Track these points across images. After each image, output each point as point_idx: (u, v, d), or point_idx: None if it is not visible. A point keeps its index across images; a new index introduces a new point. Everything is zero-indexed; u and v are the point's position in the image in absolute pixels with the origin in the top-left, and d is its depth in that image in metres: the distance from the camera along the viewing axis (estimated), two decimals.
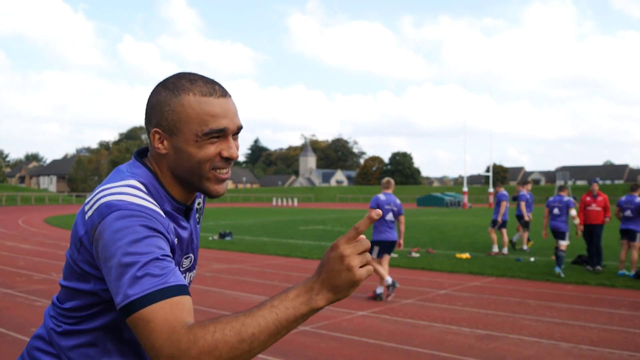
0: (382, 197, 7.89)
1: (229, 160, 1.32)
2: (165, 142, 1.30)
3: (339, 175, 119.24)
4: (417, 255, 12.55)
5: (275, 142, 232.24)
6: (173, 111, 1.28)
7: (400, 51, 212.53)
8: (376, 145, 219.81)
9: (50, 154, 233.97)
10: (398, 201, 7.98)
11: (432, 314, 6.88)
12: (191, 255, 1.43)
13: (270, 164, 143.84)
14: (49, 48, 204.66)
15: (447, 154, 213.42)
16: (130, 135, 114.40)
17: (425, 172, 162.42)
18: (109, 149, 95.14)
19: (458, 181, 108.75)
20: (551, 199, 10.52)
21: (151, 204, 1.23)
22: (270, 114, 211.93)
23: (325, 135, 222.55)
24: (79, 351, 1.32)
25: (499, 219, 12.96)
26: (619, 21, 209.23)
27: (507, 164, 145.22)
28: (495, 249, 13.00)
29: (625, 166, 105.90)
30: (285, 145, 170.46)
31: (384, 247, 7.79)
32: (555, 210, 10.22)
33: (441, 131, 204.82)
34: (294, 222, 25.13)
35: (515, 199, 13.80)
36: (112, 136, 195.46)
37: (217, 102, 1.29)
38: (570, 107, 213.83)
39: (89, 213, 1.23)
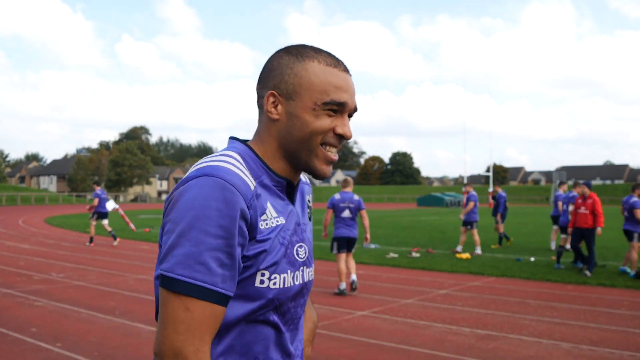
0: (337, 196, 8.10)
1: (341, 139, 1.25)
2: (279, 107, 1.23)
3: (339, 175, 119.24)
4: (417, 255, 12.55)
5: None
6: (295, 75, 1.22)
7: (398, 51, 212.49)
8: (376, 145, 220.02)
9: (50, 154, 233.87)
10: (356, 197, 8.11)
11: (432, 314, 6.88)
12: (305, 245, 1.30)
13: None
14: (48, 48, 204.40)
15: (446, 154, 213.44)
16: (131, 135, 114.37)
17: (424, 172, 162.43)
18: (109, 149, 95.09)
19: (458, 181, 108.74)
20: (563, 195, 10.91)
21: (243, 175, 1.16)
22: None
23: None
24: None
25: (462, 217, 13.20)
26: (616, 21, 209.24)
27: (507, 164, 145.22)
28: (459, 248, 13.04)
29: (625, 166, 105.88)
30: None
31: (342, 243, 8.01)
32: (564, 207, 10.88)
33: (440, 131, 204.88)
34: None
35: (495, 198, 14.85)
36: (111, 136, 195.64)
37: (341, 75, 1.24)
38: (570, 107, 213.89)
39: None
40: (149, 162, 78.13)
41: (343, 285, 7.98)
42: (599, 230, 9.91)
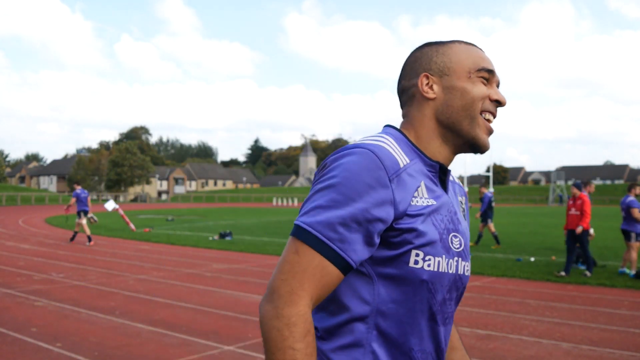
0: None
1: (498, 106, 1.29)
2: (434, 86, 1.28)
3: None
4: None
5: (275, 142, 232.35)
6: (443, 54, 1.29)
7: (398, 51, 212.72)
8: None
9: (51, 154, 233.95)
10: None
11: None
12: (460, 237, 1.26)
13: (271, 164, 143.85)
14: (47, 48, 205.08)
15: None
16: (131, 135, 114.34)
17: None
18: (109, 149, 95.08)
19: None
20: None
21: (394, 152, 1.19)
22: (270, 114, 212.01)
23: (325, 135, 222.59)
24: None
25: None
26: (615, 21, 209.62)
27: (507, 164, 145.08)
28: None
29: (625, 166, 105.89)
30: (285, 145, 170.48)
31: None
32: None
33: None
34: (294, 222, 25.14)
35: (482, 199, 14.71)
36: (111, 136, 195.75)
37: (482, 52, 1.32)
38: (570, 107, 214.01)
39: None
40: (149, 162, 78.14)
41: None
42: (579, 229, 9.59)
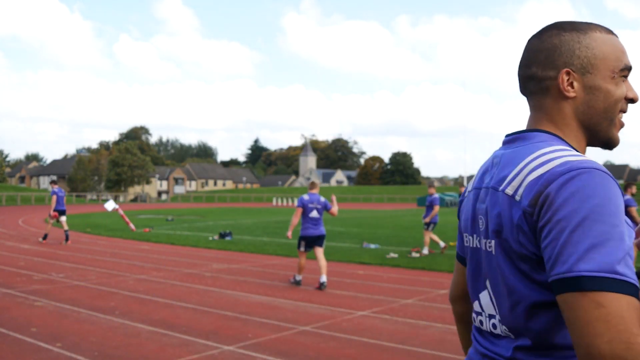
0: (306, 197, 8.73)
1: (631, 103, 1.26)
2: (574, 84, 1.21)
3: (339, 175, 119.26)
4: (417, 255, 12.54)
5: (275, 142, 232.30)
6: (586, 47, 1.21)
7: (397, 51, 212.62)
8: (375, 145, 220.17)
9: (51, 154, 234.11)
10: (322, 199, 8.78)
11: (432, 314, 6.87)
12: None
13: (270, 164, 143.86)
14: (46, 48, 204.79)
15: (445, 154, 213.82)
16: (131, 135, 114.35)
17: (424, 172, 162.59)
18: (109, 149, 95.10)
19: (458, 181, 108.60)
20: None
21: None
22: (269, 114, 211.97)
23: (325, 135, 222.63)
24: None
25: (428, 219, 12.50)
26: (613, 20, 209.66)
27: None
28: (425, 250, 12.80)
29: (625, 166, 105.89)
30: (285, 145, 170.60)
31: (310, 241, 8.65)
32: None
33: (440, 131, 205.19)
34: None
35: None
36: (111, 136, 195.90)
37: (620, 41, 1.25)
38: None
39: (528, 181, 1.11)
40: (149, 162, 78.14)
41: (299, 277, 8.82)
42: None
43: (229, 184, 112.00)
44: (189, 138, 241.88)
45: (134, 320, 6.39)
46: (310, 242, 8.64)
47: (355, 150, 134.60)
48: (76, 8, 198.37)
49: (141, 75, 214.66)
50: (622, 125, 1.27)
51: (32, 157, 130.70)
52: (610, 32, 1.25)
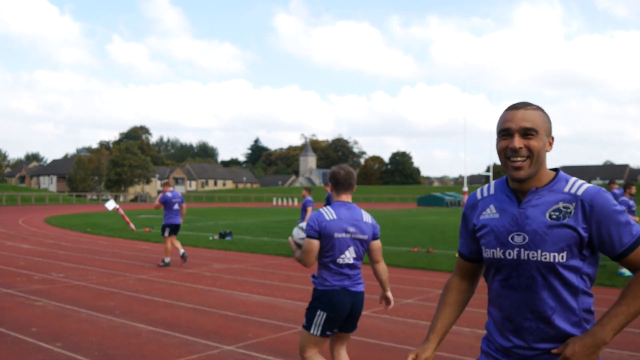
0: (169, 194, 10.93)
1: (512, 152, 1.87)
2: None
3: None
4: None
5: (274, 142, 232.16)
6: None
7: (390, 51, 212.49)
8: (373, 145, 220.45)
9: (51, 154, 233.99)
10: (180, 194, 11.23)
11: (432, 314, 6.87)
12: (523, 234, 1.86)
13: (270, 164, 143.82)
14: (37, 48, 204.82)
15: (444, 154, 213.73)
16: (131, 135, 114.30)
17: (423, 172, 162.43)
18: (109, 149, 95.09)
19: (458, 181, 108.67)
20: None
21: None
22: (266, 114, 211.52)
23: (321, 135, 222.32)
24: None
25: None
26: (605, 20, 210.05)
27: None
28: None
29: (625, 166, 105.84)
30: (285, 145, 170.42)
31: (174, 228, 10.89)
32: None
33: (437, 131, 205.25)
34: (294, 222, 25.10)
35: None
36: (109, 136, 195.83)
37: (506, 114, 1.93)
38: (565, 107, 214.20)
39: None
40: (149, 162, 78.11)
41: (168, 259, 10.90)
42: None
43: (229, 184, 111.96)
44: (188, 137, 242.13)
45: (134, 320, 6.39)
46: (174, 229, 10.98)
47: (355, 150, 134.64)
48: (67, 9, 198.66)
49: (135, 75, 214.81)
50: (514, 167, 1.86)
51: (32, 157, 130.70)
52: (507, 108, 1.93)
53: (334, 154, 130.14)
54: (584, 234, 1.79)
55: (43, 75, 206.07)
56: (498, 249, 1.90)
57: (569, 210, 1.81)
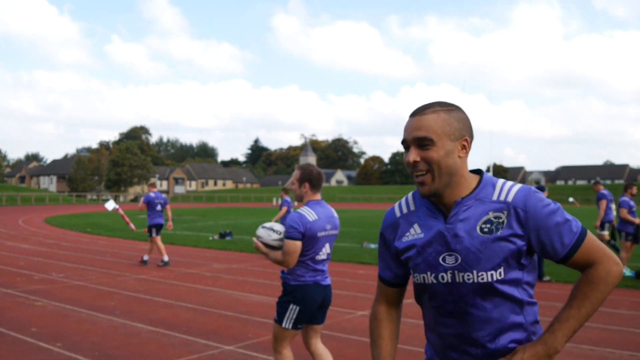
0: (152, 195, 11.07)
1: (414, 165, 1.67)
2: None
3: (339, 175, 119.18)
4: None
5: (274, 142, 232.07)
6: None
7: (389, 51, 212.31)
8: (372, 145, 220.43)
9: (51, 154, 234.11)
10: (164, 196, 11.33)
11: None
12: (454, 254, 1.67)
13: (270, 164, 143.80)
14: (37, 48, 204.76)
15: None
16: (131, 135, 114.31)
17: None
18: (109, 149, 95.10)
19: None
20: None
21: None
22: (266, 114, 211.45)
23: (321, 135, 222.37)
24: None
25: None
26: (604, 20, 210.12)
27: (507, 163, 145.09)
28: None
29: (625, 166, 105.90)
30: (285, 145, 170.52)
31: (159, 227, 11.02)
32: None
33: None
34: None
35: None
36: (109, 136, 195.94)
37: (408, 123, 1.71)
38: (564, 107, 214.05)
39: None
40: (149, 162, 78.12)
41: (167, 258, 10.98)
42: None
43: (229, 184, 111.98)
44: (188, 138, 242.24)
45: (134, 320, 6.39)
46: (159, 228, 11.17)
47: (355, 150, 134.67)
48: (65, 9, 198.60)
49: (135, 75, 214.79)
50: (417, 182, 1.67)
51: (32, 157, 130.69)
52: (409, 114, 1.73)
53: (334, 154, 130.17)
54: (521, 243, 1.61)
55: (42, 75, 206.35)
56: (429, 272, 1.69)
57: (501, 220, 1.63)
